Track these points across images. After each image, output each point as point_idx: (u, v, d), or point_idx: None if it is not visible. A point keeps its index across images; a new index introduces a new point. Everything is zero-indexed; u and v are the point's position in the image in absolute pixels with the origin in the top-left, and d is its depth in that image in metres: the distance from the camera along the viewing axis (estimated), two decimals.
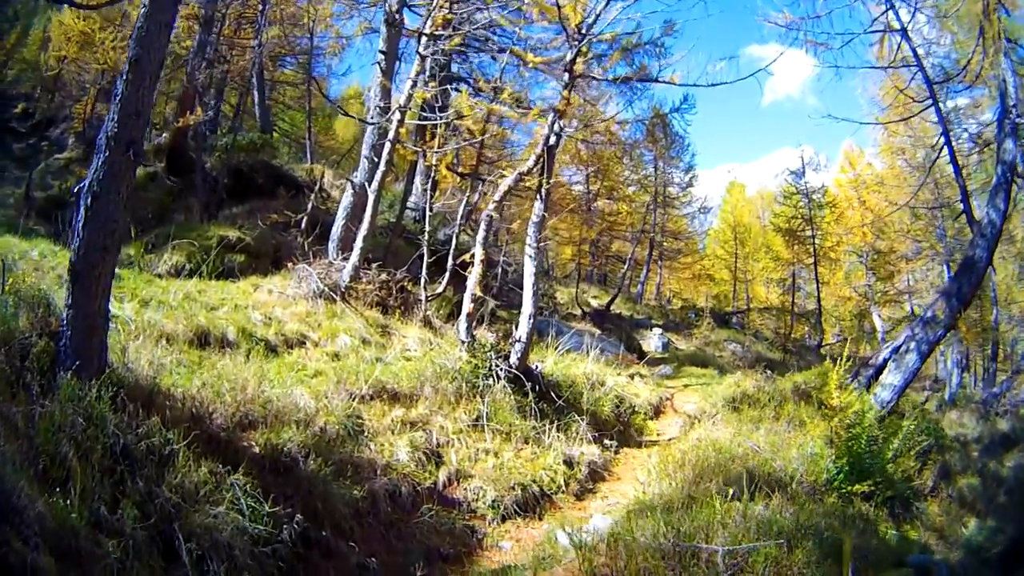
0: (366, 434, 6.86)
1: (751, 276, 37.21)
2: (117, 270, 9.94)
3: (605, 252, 31.95)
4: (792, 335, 29.44)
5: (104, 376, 4.99)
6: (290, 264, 11.47)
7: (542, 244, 9.75)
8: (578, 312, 22.62)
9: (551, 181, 9.41)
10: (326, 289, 10.55)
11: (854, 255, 29.29)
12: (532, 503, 6.96)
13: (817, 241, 28.09)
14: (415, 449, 6.91)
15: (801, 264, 29.83)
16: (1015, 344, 26.98)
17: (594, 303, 25.17)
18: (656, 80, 9.17)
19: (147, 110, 5.34)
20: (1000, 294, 24.03)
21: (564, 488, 7.43)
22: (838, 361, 8.41)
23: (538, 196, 9.40)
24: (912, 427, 8.75)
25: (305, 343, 9.18)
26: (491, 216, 9.57)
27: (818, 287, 28.57)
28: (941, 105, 12.94)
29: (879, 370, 11.43)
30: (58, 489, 3.96)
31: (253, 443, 5.70)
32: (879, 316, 28.86)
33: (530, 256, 9.37)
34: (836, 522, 6.15)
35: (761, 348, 26.27)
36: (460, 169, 18.59)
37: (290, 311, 9.95)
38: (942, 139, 12.99)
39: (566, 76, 9.17)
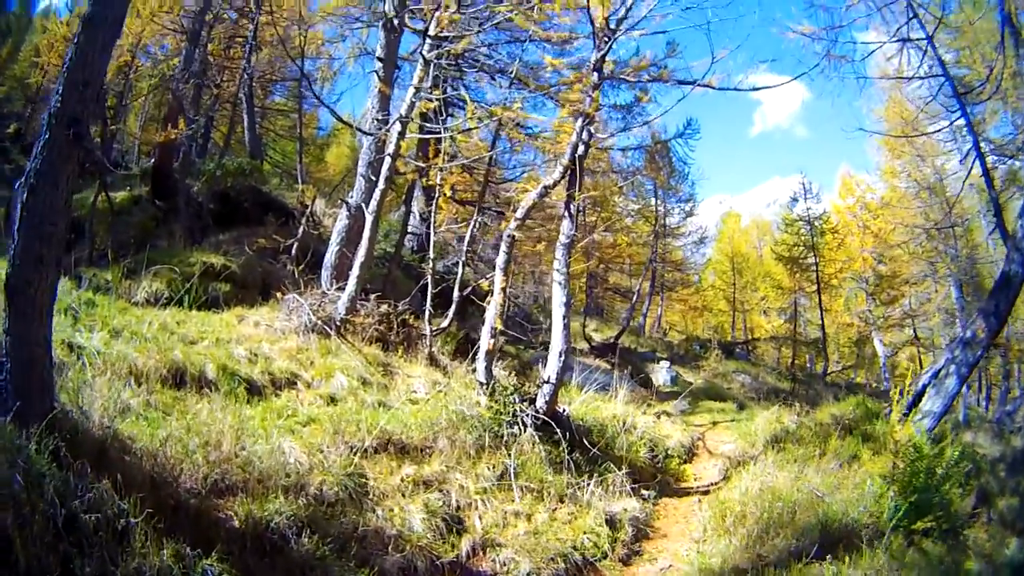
0: (371, 497, 5.65)
1: (748, 306, 36.71)
2: (91, 296, 9.06)
3: (603, 284, 31.08)
4: (797, 364, 28.97)
5: (47, 422, 3.96)
6: (279, 294, 10.31)
7: (571, 270, 8.63)
8: (583, 346, 21.55)
9: (582, 195, 8.39)
10: (319, 322, 9.40)
11: (853, 281, 28.69)
12: (573, 573, 5.81)
13: (820, 268, 27.30)
14: (431, 514, 5.70)
15: (802, 292, 29.11)
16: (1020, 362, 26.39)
17: (596, 336, 24.17)
18: (693, 83, 8.18)
19: (97, 80, 4.35)
20: None
21: (609, 553, 6.28)
22: (903, 392, 7.64)
23: (566, 213, 8.33)
24: (956, 454, 7.83)
25: (296, 383, 7.97)
26: (512, 236, 8.41)
27: (822, 314, 27.88)
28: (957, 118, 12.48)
29: (918, 396, 10.62)
30: None
31: (231, 514, 4.52)
32: (880, 342, 28.37)
33: (559, 283, 8.20)
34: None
35: (771, 379, 25.28)
36: (457, 196, 17.65)
37: (279, 346, 8.77)
38: (972, 152, 12.34)
39: (595, 76, 8.20)
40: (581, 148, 8.36)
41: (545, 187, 8.59)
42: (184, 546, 3.78)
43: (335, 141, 33.60)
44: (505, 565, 5.58)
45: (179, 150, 15.00)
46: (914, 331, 27.42)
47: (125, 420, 5.29)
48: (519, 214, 8.70)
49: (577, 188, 8.34)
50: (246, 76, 18.23)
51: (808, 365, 31.40)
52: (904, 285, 26.63)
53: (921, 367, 28.54)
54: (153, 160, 17.47)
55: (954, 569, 5.97)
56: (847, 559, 5.42)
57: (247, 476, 4.93)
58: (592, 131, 8.47)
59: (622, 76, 8.97)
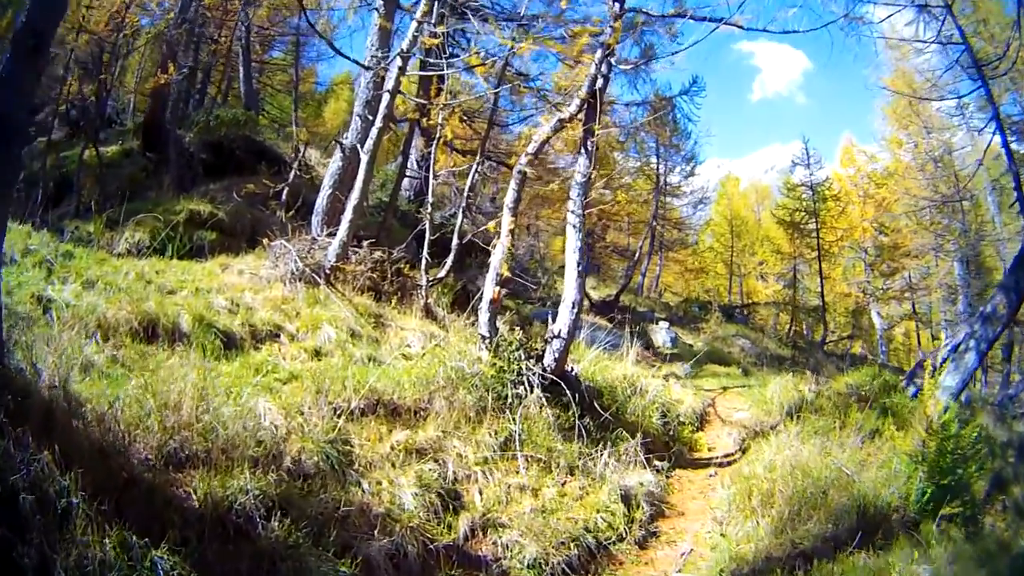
0: (356, 468, 5.00)
1: (746, 270, 36.40)
2: (70, 248, 8.43)
3: (601, 242, 30.45)
4: (796, 331, 28.79)
5: None
6: (266, 241, 9.61)
7: (586, 211, 7.94)
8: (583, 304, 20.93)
9: (599, 130, 7.66)
10: (307, 270, 8.73)
11: (852, 250, 28.24)
12: (585, 559, 5.19)
13: (821, 235, 26.73)
14: (425, 489, 5.06)
15: (802, 258, 28.57)
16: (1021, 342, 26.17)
17: (593, 294, 23.57)
18: (720, 21, 7.43)
19: None
20: None
21: (625, 535, 5.67)
22: (934, 365, 7.18)
23: (583, 149, 7.65)
24: (972, 436, 7.37)
25: (279, 336, 7.32)
26: (523, 173, 7.69)
27: (822, 282, 27.37)
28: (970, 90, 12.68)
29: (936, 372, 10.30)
30: None
31: (189, 491, 3.85)
32: (878, 314, 27.95)
33: (574, 226, 7.54)
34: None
35: (771, 344, 24.79)
36: (457, 146, 16.86)
37: (262, 296, 8.14)
38: (993, 123, 12.15)
39: (616, 6, 7.45)
40: (600, 81, 7.66)
41: (560, 120, 7.89)
42: (131, 533, 3.21)
43: (333, 96, 32.90)
44: (508, 549, 4.97)
45: (170, 100, 14.51)
46: (913, 305, 27.21)
47: (86, 378, 4.75)
48: (531, 149, 8.05)
49: (596, 122, 7.66)
50: (242, 27, 17.69)
51: (805, 333, 31.02)
52: (905, 258, 26.16)
53: (918, 342, 28.34)
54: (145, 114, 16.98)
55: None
56: (916, 553, 4.87)
57: (209, 445, 4.23)
58: (612, 62, 7.72)
59: (643, 10, 8.20)
